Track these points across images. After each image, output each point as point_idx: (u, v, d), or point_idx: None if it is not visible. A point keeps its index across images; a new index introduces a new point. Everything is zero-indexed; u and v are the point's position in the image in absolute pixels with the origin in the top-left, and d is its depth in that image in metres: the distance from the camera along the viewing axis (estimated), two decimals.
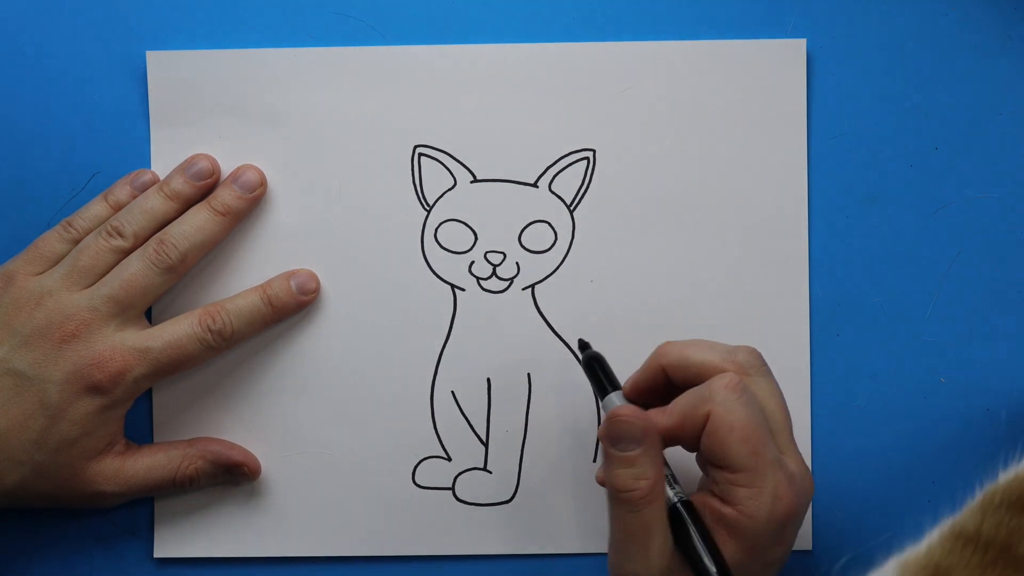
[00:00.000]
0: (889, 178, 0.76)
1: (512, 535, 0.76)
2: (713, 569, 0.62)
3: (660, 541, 0.63)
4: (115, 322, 0.72)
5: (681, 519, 0.64)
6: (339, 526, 0.77)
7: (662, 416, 0.66)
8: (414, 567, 0.77)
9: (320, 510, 0.77)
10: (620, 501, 0.63)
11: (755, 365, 0.67)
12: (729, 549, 0.63)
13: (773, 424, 0.65)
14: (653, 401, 0.68)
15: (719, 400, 0.64)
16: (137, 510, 0.77)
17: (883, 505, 0.76)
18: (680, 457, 0.69)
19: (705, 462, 0.66)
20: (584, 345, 0.73)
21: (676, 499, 0.65)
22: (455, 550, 0.77)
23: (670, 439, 0.66)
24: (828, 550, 0.76)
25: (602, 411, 0.70)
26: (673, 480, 0.66)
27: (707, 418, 0.64)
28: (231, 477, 0.76)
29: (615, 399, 0.69)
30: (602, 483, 0.69)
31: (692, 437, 0.65)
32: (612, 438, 0.64)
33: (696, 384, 0.66)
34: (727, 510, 0.64)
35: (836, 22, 0.76)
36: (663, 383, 0.68)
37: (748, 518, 0.63)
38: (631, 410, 0.64)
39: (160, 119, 0.77)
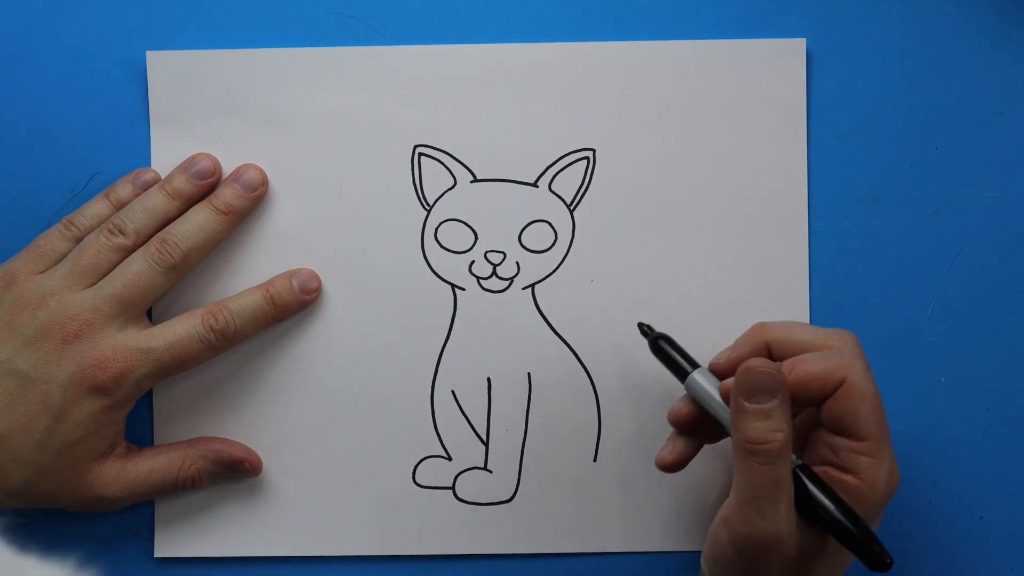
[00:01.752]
0: (889, 178, 0.76)
1: (512, 534, 0.76)
2: (855, 529, 0.62)
3: (789, 497, 0.63)
4: (117, 322, 0.72)
5: (801, 482, 0.63)
6: (339, 525, 0.77)
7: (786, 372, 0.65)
8: (414, 566, 0.77)
9: (320, 509, 0.77)
10: (755, 453, 0.62)
11: (857, 346, 0.66)
12: None
13: None
14: None
15: (856, 368, 0.64)
16: (138, 510, 0.77)
17: None
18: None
19: (825, 429, 0.65)
20: (646, 329, 0.72)
21: (796, 462, 0.64)
22: (455, 549, 0.77)
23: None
24: None
25: (687, 390, 0.69)
26: None
27: (840, 383, 0.64)
28: (233, 475, 0.76)
29: (699, 377, 0.68)
30: (674, 422, 0.69)
31: (814, 399, 0.65)
32: (748, 391, 0.63)
33: None
34: (848, 478, 0.63)
35: (836, 22, 0.77)
36: None
37: (869, 487, 0.63)
38: (765, 362, 0.63)
39: (160, 119, 0.77)
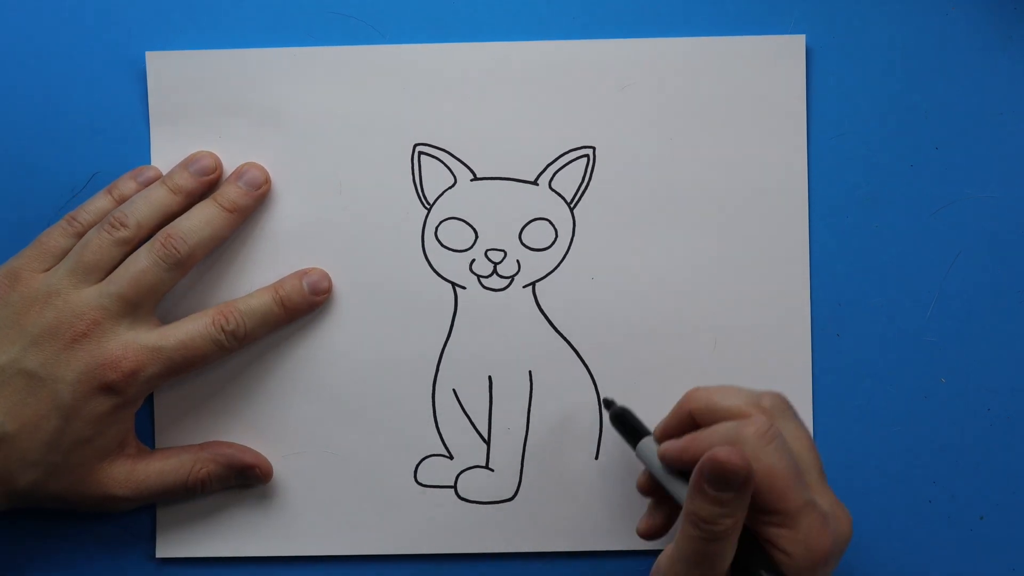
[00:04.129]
0: (889, 178, 0.76)
1: (514, 533, 0.77)
2: None
3: (725, 566, 0.63)
4: (126, 320, 0.72)
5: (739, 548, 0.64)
6: (341, 525, 0.77)
7: (693, 444, 0.66)
8: (416, 566, 0.77)
9: (322, 509, 0.77)
10: (698, 529, 0.62)
11: (781, 409, 0.67)
12: None
13: (802, 466, 0.65)
14: None
15: (748, 447, 0.63)
16: (140, 510, 0.77)
17: (883, 505, 0.76)
18: None
19: None
20: (609, 403, 0.74)
21: None
22: (457, 548, 0.77)
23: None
24: None
25: (637, 458, 0.70)
26: None
27: None
28: (243, 480, 0.76)
29: (649, 443, 0.69)
30: (642, 491, 0.71)
31: None
32: (712, 480, 0.62)
33: None
34: (766, 545, 0.64)
35: (836, 19, 0.76)
36: (691, 427, 0.68)
37: (785, 555, 0.63)
38: (733, 453, 0.61)
39: (160, 119, 0.77)
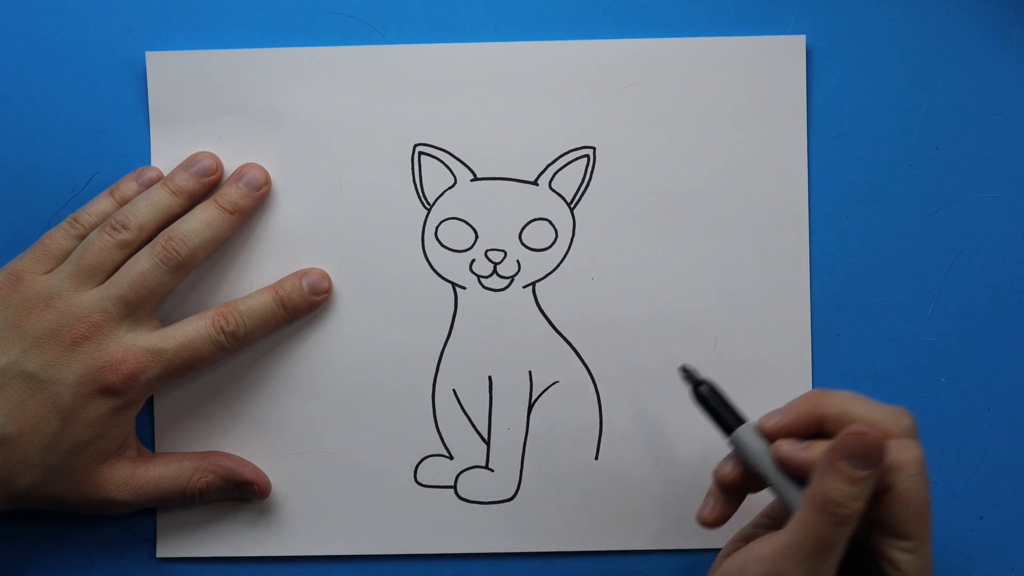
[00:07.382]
0: (889, 178, 0.76)
1: (514, 533, 0.77)
2: None
3: (836, 560, 0.61)
4: (126, 323, 0.72)
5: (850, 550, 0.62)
6: (341, 525, 0.77)
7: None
8: (416, 566, 0.77)
9: (322, 509, 0.77)
10: (826, 512, 0.60)
11: (913, 431, 0.63)
12: None
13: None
14: None
15: (907, 475, 0.61)
16: (141, 510, 0.77)
17: None
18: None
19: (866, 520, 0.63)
20: (689, 373, 0.69)
21: None
22: (457, 548, 0.77)
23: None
24: None
25: (732, 444, 0.67)
26: None
27: (889, 487, 0.61)
28: (240, 494, 0.76)
29: (747, 435, 0.66)
30: (723, 484, 0.67)
31: None
32: (850, 454, 0.60)
33: None
34: (884, 564, 0.62)
35: (836, 19, 0.76)
36: (813, 432, 0.65)
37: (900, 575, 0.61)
38: (874, 430, 0.60)
39: (160, 119, 0.77)
